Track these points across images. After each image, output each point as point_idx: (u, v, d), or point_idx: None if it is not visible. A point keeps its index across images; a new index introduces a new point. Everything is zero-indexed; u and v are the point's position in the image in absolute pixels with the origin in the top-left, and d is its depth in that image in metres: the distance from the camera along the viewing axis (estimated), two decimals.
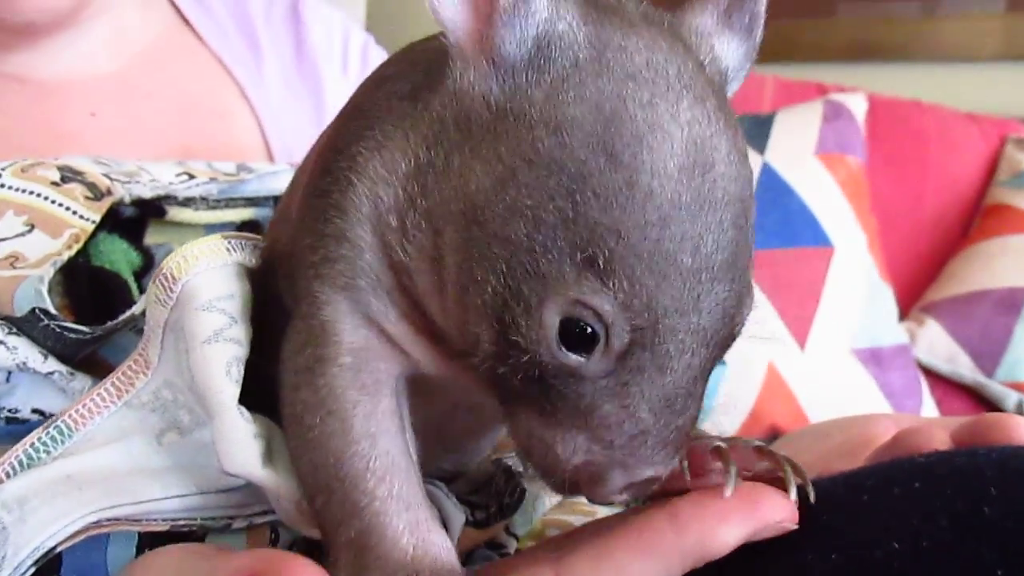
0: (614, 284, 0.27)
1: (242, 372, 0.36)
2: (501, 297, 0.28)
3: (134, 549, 0.36)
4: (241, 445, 0.35)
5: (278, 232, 0.40)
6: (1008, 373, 1.31)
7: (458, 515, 0.42)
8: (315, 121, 0.83)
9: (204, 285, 0.37)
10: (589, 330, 0.27)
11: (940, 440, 0.36)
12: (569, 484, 0.30)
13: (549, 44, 0.27)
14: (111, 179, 0.50)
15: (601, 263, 0.26)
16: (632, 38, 0.28)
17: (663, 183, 0.27)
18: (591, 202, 0.26)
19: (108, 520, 0.35)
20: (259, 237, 0.41)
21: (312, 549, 0.40)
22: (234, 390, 0.35)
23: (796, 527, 0.31)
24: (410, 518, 0.31)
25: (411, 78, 0.31)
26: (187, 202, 0.54)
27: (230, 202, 0.56)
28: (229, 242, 0.39)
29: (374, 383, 0.32)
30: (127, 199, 0.49)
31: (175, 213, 0.53)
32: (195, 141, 0.74)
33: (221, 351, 0.36)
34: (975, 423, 0.36)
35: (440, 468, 0.46)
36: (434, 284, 0.30)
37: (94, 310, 0.44)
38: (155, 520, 0.36)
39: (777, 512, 0.30)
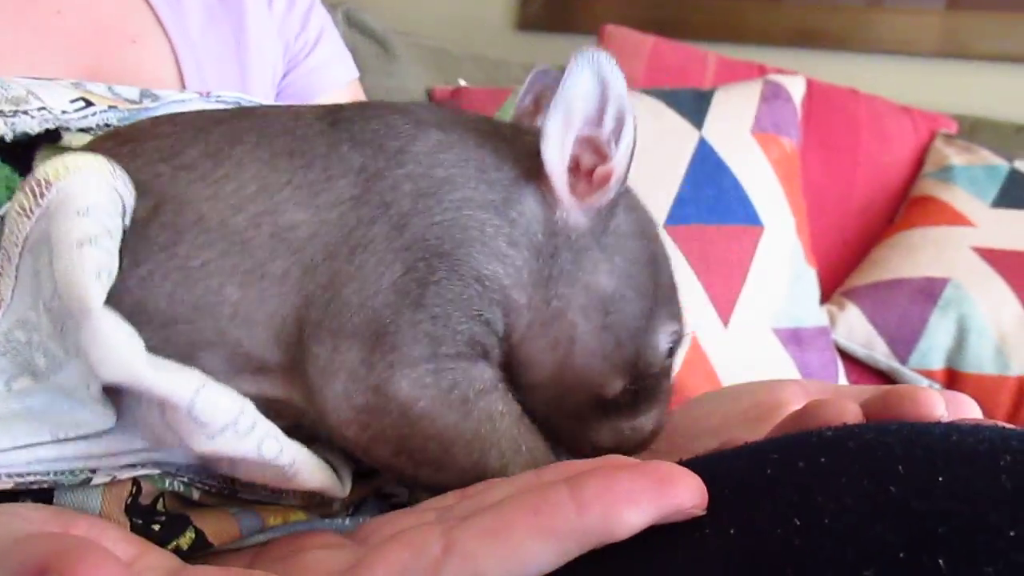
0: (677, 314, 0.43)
1: (110, 286, 0.32)
2: (634, 349, 0.40)
3: None
4: (118, 345, 0.30)
5: None
6: (920, 360, 1.34)
7: (347, 465, 0.40)
8: (235, 54, 0.78)
9: (83, 192, 0.33)
10: (675, 342, 0.42)
11: (852, 413, 0.35)
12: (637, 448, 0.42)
13: (617, 209, 0.40)
14: None
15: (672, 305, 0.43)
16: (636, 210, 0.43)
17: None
18: (658, 275, 0.42)
19: None
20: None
21: (188, 507, 0.37)
22: (103, 294, 0.31)
23: (703, 513, 0.29)
24: None
25: (479, 192, 0.38)
26: (86, 130, 0.49)
27: None
28: (112, 166, 0.35)
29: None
30: (8, 137, 0.44)
31: (71, 139, 0.48)
32: (103, 65, 0.69)
33: (92, 256, 0.32)
34: (886, 394, 0.35)
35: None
36: (550, 359, 0.39)
37: None
38: None
39: (690, 497, 0.28)
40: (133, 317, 0.33)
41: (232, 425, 0.33)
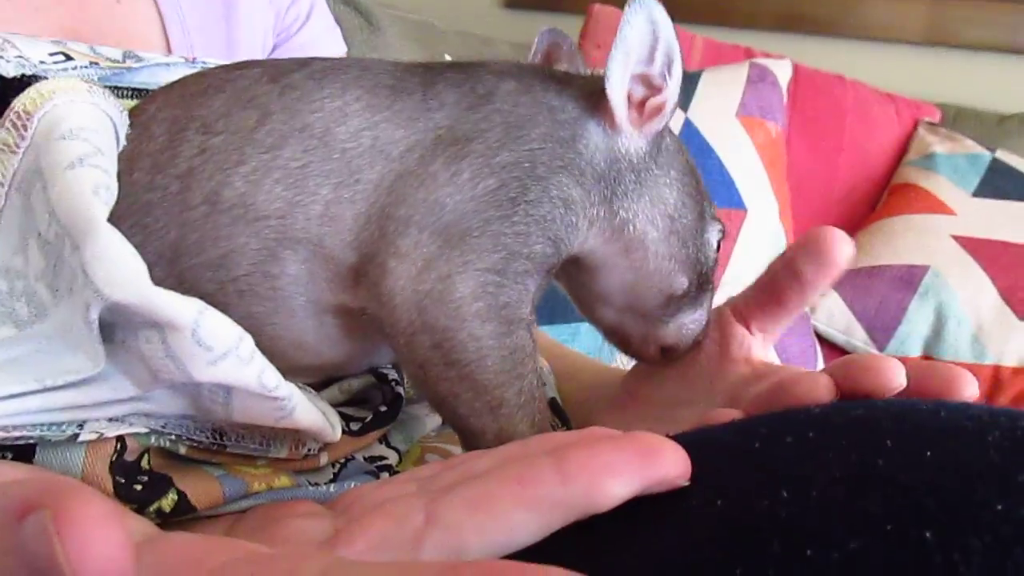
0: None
1: (110, 203, 0.32)
2: (694, 248, 0.46)
3: None
4: (123, 262, 0.30)
5: None
6: (899, 347, 1.35)
7: (336, 417, 0.40)
8: (223, 21, 0.77)
9: (66, 115, 0.33)
10: (721, 238, 0.47)
11: (824, 387, 0.35)
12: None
13: (664, 133, 0.45)
14: None
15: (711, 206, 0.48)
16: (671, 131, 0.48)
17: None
18: (699, 182, 0.47)
19: None
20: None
21: (174, 465, 0.37)
22: (104, 210, 0.31)
23: (688, 484, 0.29)
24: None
25: (554, 128, 0.42)
26: None
27: (114, 91, 0.51)
28: (90, 86, 0.35)
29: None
30: None
31: None
32: (85, 24, 0.68)
33: (87, 175, 0.31)
34: (847, 364, 0.36)
35: (311, 375, 0.43)
36: (624, 265, 0.45)
37: None
38: None
39: (674, 467, 0.28)
40: (233, 209, 0.38)
41: (234, 351, 0.33)
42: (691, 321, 0.47)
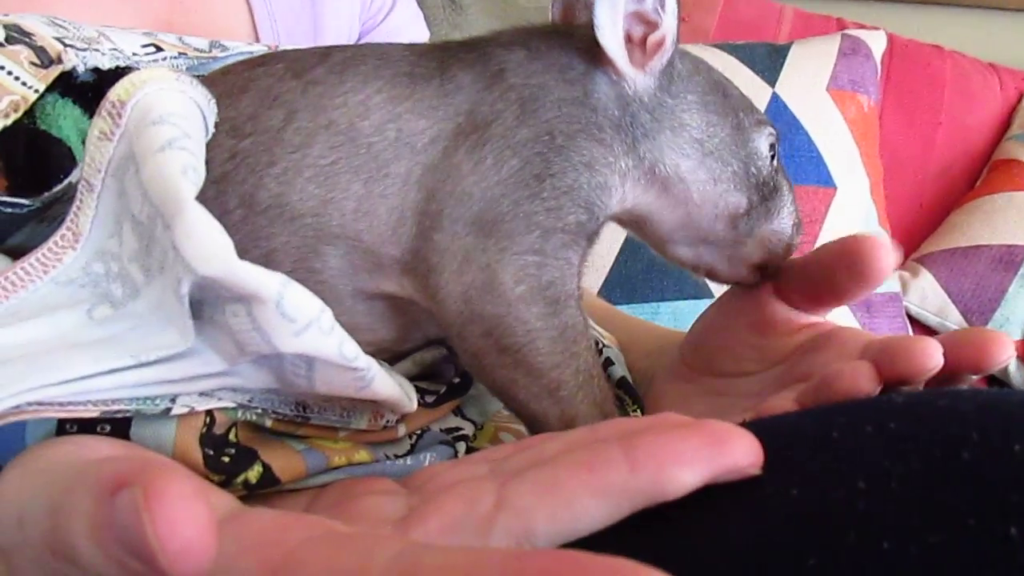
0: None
1: (198, 183, 0.33)
2: (741, 162, 0.45)
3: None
4: (211, 238, 0.31)
5: None
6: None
7: (412, 388, 0.41)
8: (310, 9, 0.79)
9: (157, 102, 0.34)
10: (773, 140, 0.47)
11: (867, 379, 0.35)
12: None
13: (674, 62, 0.44)
14: (65, 44, 0.46)
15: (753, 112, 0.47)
16: (686, 55, 0.47)
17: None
18: (727, 94, 0.47)
19: (31, 405, 0.32)
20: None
21: (260, 439, 0.38)
22: (192, 189, 0.32)
23: (760, 473, 0.28)
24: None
25: (566, 90, 0.42)
26: None
27: (201, 80, 0.53)
28: (178, 75, 0.36)
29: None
30: (80, 68, 0.45)
31: None
32: (177, 17, 0.70)
33: (176, 157, 0.33)
34: (884, 347, 0.37)
35: (385, 350, 0.44)
36: (670, 203, 0.45)
37: (33, 180, 0.41)
38: (82, 404, 0.32)
39: (744, 456, 0.28)
40: (269, 211, 0.39)
41: (316, 322, 0.34)
42: (772, 233, 0.46)
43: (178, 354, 0.34)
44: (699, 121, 0.44)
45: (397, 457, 0.42)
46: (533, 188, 0.39)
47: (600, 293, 1.16)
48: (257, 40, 0.74)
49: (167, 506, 0.21)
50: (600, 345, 0.55)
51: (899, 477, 0.27)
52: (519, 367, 0.39)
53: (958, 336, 0.37)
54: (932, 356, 0.35)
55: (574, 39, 0.44)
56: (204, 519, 0.21)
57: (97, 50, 0.48)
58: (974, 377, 0.37)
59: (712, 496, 0.28)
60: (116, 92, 0.35)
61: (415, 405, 0.41)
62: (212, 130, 0.39)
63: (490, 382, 0.41)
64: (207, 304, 0.34)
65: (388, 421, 0.42)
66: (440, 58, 0.43)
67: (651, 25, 0.43)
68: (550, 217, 0.39)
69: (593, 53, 0.43)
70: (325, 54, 0.43)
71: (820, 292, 0.44)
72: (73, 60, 0.45)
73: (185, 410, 0.35)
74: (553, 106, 0.41)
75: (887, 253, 0.40)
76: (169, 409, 0.35)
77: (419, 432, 0.44)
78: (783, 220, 0.47)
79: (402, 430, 0.42)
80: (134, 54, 0.51)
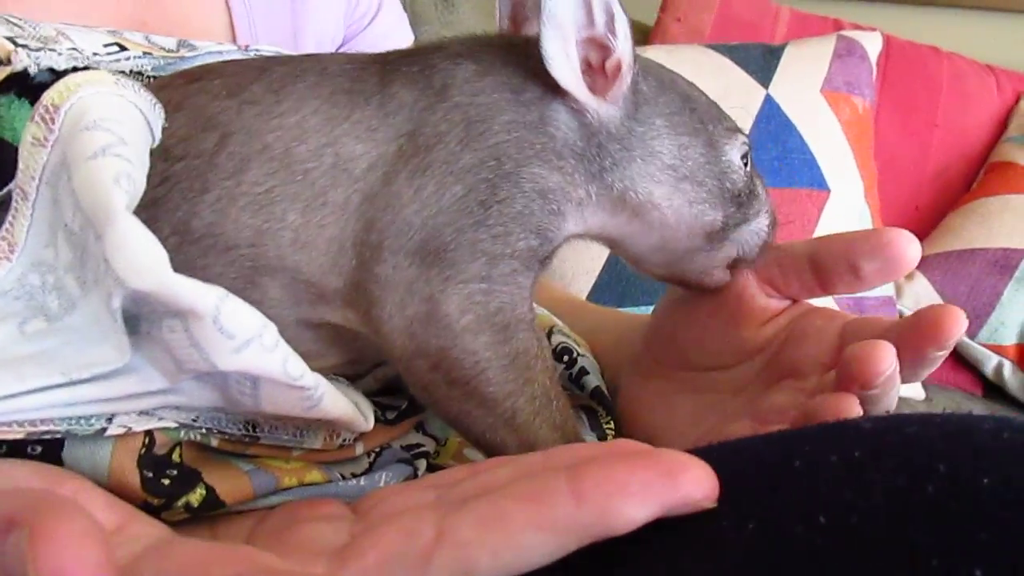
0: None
1: (134, 193, 0.32)
2: (715, 179, 0.43)
3: None
4: (145, 248, 0.30)
5: None
6: (991, 335, 1.28)
7: (369, 406, 0.40)
8: (288, 10, 0.77)
9: (92, 106, 0.32)
10: (746, 149, 0.45)
11: (847, 409, 0.35)
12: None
13: (638, 83, 0.42)
14: (17, 44, 0.44)
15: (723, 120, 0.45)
16: (650, 71, 0.44)
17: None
18: (695, 108, 0.44)
19: None
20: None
21: (205, 458, 0.37)
22: (124, 199, 0.31)
23: (715, 505, 0.27)
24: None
25: (519, 113, 0.40)
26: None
27: None
28: (117, 78, 0.35)
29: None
30: (33, 69, 0.44)
31: None
32: (153, 16, 0.68)
33: (108, 164, 0.31)
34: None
35: (345, 368, 0.43)
36: (644, 228, 0.43)
37: None
38: (7, 425, 0.31)
39: (698, 488, 0.26)
40: (203, 240, 0.36)
41: (257, 338, 0.32)
42: (749, 233, 0.45)
43: (115, 371, 0.33)
44: (670, 146, 0.42)
45: (354, 476, 0.41)
46: (478, 215, 0.37)
47: (589, 297, 1.15)
48: (234, 40, 0.72)
49: (54, 549, 0.20)
50: (574, 354, 0.53)
51: (861, 512, 0.25)
52: (471, 399, 0.37)
53: (916, 316, 0.38)
54: (883, 359, 0.36)
55: (530, 58, 0.40)
56: (93, 561, 0.20)
57: (53, 50, 0.46)
58: (940, 353, 0.38)
59: (664, 530, 0.26)
60: (50, 96, 0.33)
61: (371, 424, 0.39)
62: (159, 137, 0.37)
63: (443, 414, 0.39)
64: (144, 319, 0.33)
65: (345, 439, 0.40)
66: (381, 72, 0.40)
67: (607, 51, 0.40)
68: (497, 243, 0.37)
69: (551, 77, 0.40)
70: (263, 68, 0.40)
71: (831, 280, 0.43)
72: (24, 61, 0.43)
73: (121, 430, 0.33)
74: (502, 129, 0.39)
75: (915, 246, 0.41)
76: (104, 429, 0.33)
77: (378, 450, 0.42)
78: (760, 221, 0.45)
79: (360, 448, 0.41)
80: (94, 54, 0.49)
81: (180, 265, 0.36)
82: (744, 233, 0.45)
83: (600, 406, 0.51)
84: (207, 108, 0.38)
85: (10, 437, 0.31)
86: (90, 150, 0.32)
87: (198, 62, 0.53)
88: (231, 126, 0.38)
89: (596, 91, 0.40)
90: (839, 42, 1.33)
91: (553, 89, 0.40)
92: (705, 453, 0.28)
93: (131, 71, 0.50)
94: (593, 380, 0.52)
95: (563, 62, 0.39)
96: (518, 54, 0.41)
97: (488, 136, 0.38)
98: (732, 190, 0.43)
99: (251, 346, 0.32)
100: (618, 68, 0.40)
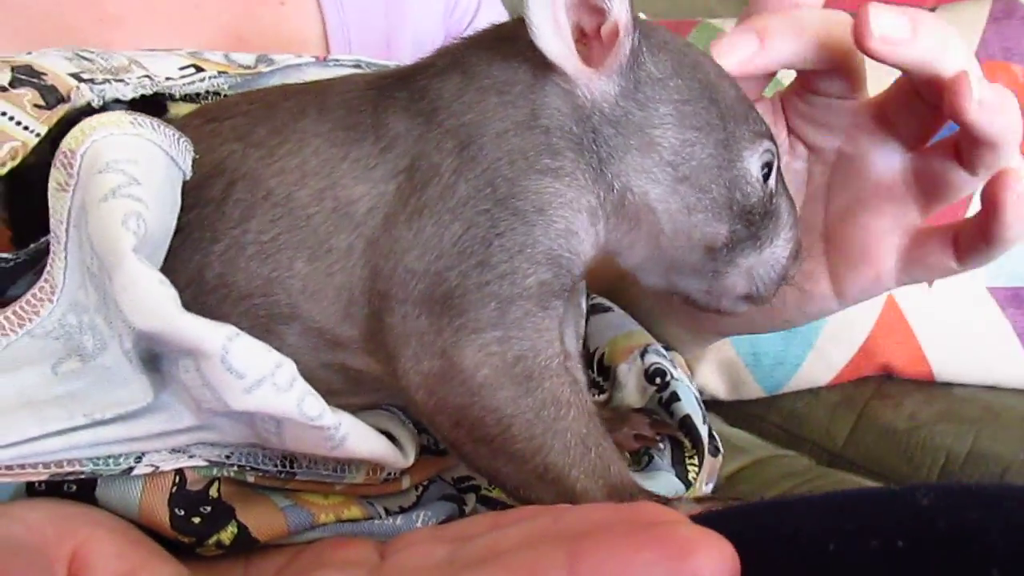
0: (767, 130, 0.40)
1: (145, 232, 0.32)
2: (723, 187, 0.38)
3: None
4: (149, 291, 0.30)
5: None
6: None
7: (412, 439, 0.39)
8: (382, 16, 0.77)
9: (104, 148, 0.33)
10: (770, 159, 0.40)
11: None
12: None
13: (641, 57, 0.38)
14: (82, 80, 0.45)
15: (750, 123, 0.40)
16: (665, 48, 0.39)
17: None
18: (718, 100, 0.39)
19: None
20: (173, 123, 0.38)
21: (242, 494, 0.36)
22: (132, 240, 0.31)
23: None
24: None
25: (507, 116, 0.36)
26: (194, 98, 0.49)
27: None
28: (135, 117, 0.35)
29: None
30: (96, 103, 0.45)
31: (175, 109, 0.48)
32: (249, 28, 0.70)
33: (117, 206, 0.31)
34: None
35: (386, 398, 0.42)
36: (640, 236, 0.38)
37: (36, 229, 0.41)
38: (33, 467, 0.32)
39: (713, 572, 0.23)
40: (217, 290, 0.36)
41: (269, 378, 0.32)
42: (760, 263, 0.40)
43: (140, 410, 0.33)
44: (673, 139, 0.37)
45: (402, 510, 0.40)
46: (480, 254, 0.34)
47: None
48: (327, 48, 0.73)
49: None
50: (668, 376, 0.50)
51: None
52: (498, 456, 0.35)
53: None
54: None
55: (518, 43, 0.37)
56: None
57: (121, 80, 0.47)
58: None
59: None
60: (67, 141, 0.33)
61: (410, 460, 0.38)
62: (189, 171, 0.37)
63: (475, 470, 0.37)
64: (164, 358, 0.33)
65: (391, 474, 0.39)
66: (375, 101, 0.38)
67: (600, 13, 0.36)
68: (504, 284, 0.34)
69: (539, 57, 0.36)
70: (272, 105, 0.39)
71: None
72: (86, 96, 0.44)
73: (149, 470, 0.34)
74: (493, 145, 0.36)
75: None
76: (131, 468, 0.33)
77: (426, 483, 0.41)
78: (776, 249, 0.40)
79: (406, 482, 0.40)
80: (168, 78, 0.50)
81: (200, 315, 0.36)
82: (756, 263, 0.40)
83: (687, 437, 0.48)
84: (216, 152, 0.38)
85: (34, 479, 0.32)
86: (102, 192, 0.32)
87: (276, 76, 0.53)
88: (236, 172, 0.37)
89: (592, 63, 0.36)
90: (995, 4, 1.20)
91: (542, 72, 0.36)
92: (722, 527, 0.25)
93: (207, 91, 0.51)
94: (684, 408, 0.48)
95: (550, 30, 0.35)
96: (505, 44, 0.38)
97: (480, 159, 0.35)
98: (743, 204, 0.38)
99: (263, 386, 0.32)
100: (615, 32, 0.36)
